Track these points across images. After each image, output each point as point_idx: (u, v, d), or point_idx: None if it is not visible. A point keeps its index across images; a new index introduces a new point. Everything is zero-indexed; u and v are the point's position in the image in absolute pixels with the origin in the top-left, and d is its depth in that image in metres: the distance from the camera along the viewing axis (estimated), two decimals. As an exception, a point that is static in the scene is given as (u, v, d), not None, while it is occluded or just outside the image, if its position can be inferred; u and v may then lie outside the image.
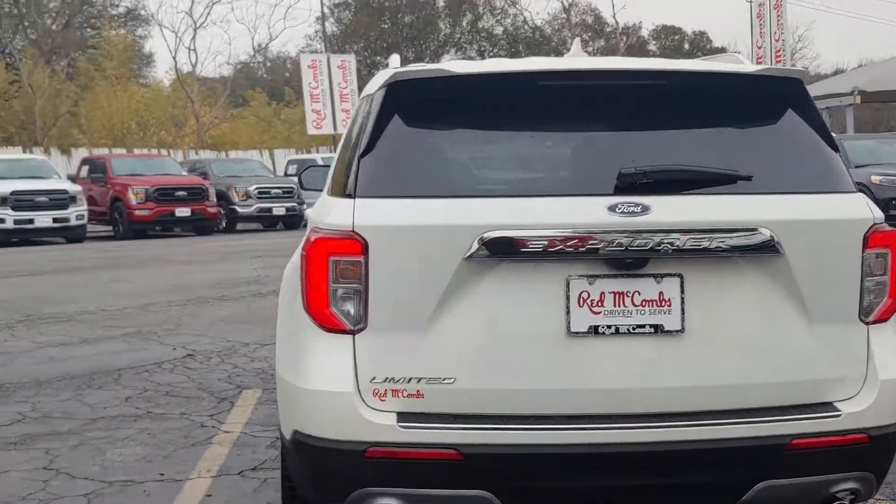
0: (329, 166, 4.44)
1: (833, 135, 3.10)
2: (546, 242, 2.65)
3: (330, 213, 2.84)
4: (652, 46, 46.70)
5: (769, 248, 2.74)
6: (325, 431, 2.72)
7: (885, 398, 2.84)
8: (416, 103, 2.91)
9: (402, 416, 2.70)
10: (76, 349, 7.62)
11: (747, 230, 2.72)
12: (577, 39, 3.62)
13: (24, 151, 27.11)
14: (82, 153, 27.56)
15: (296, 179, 25.64)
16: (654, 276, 2.73)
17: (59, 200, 19.91)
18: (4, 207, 19.24)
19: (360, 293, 2.72)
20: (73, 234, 20.34)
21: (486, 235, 2.65)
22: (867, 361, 2.87)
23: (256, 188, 23.18)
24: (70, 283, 12.40)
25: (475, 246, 2.65)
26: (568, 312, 2.71)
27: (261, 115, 40.23)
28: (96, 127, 34.88)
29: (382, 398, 2.72)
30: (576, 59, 3.44)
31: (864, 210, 2.87)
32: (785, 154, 2.98)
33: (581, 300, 2.71)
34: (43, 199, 19.66)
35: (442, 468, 2.65)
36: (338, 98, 32.16)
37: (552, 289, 2.72)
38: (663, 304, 2.74)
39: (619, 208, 2.70)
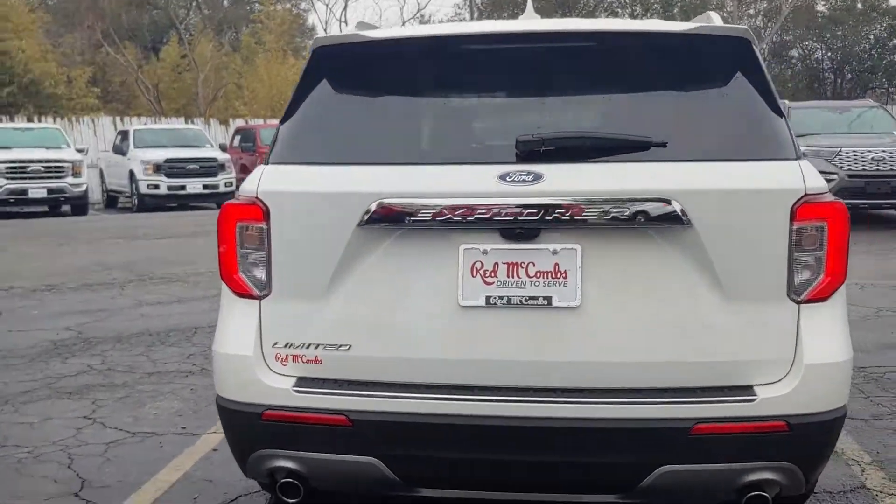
0: None
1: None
2: (435, 211, 2.60)
3: (247, 180, 2.90)
4: (821, 7, 43.69)
5: (673, 220, 2.56)
6: (231, 394, 2.80)
7: (809, 384, 2.59)
8: (332, 70, 2.90)
9: (301, 381, 2.73)
10: (168, 307, 8.08)
11: (647, 200, 2.55)
12: (530, 1, 3.46)
13: (186, 122, 28.69)
14: (239, 123, 28.88)
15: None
16: (550, 246, 2.63)
17: (209, 168, 20.90)
18: (159, 174, 20.44)
19: (264, 259, 2.77)
20: (221, 200, 21.23)
21: (375, 203, 2.63)
22: (796, 344, 2.64)
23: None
24: (197, 246, 13.10)
25: (366, 214, 2.64)
26: (460, 282, 2.65)
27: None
28: (257, 98, 36.43)
29: (284, 363, 2.76)
30: (499, 22, 3.33)
31: (793, 180, 2.60)
32: (713, 119, 2.77)
33: (474, 270, 2.64)
34: (194, 166, 20.68)
35: (332, 433, 2.66)
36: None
37: (447, 258, 2.65)
38: (559, 276, 2.62)
39: (510, 177, 2.60)
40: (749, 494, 2.61)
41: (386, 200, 2.62)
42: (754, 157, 2.66)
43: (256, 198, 2.75)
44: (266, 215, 2.73)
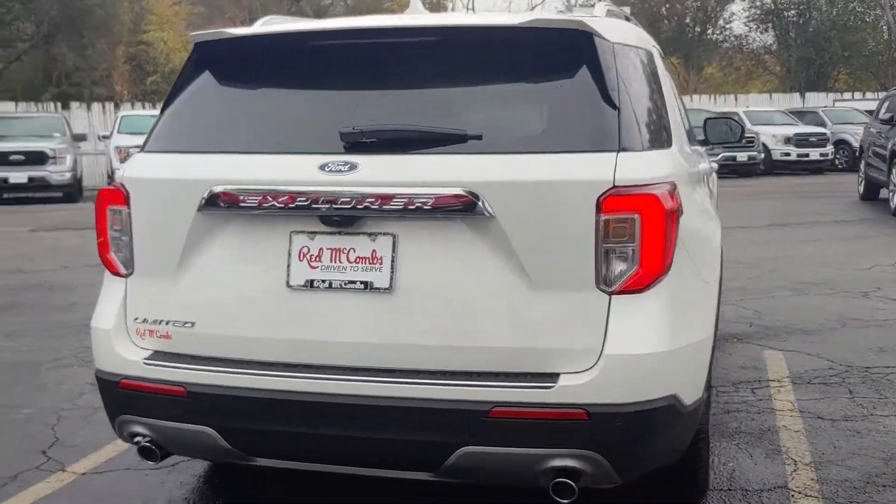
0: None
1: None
2: (261, 198, 2.78)
3: (123, 167, 3.18)
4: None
5: (474, 211, 2.64)
6: (99, 364, 3.08)
7: (611, 374, 2.61)
8: (200, 64, 3.12)
9: (155, 355, 2.97)
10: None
11: (446, 192, 2.64)
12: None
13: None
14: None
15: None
16: (369, 234, 2.76)
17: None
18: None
19: (128, 241, 3.03)
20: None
21: (210, 190, 2.84)
22: (604, 334, 2.67)
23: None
24: None
25: (203, 200, 2.85)
26: (289, 266, 2.81)
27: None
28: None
29: (143, 337, 3.01)
30: (354, 18, 3.42)
31: (601, 172, 2.63)
32: (537, 112, 2.82)
33: (301, 255, 2.81)
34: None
35: (173, 403, 2.89)
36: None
37: (279, 243, 2.83)
38: (375, 261, 2.75)
39: (329, 167, 2.75)
40: (555, 480, 2.66)
41: (217, 187, 2.82)
42: (570, 150, 2.69)
43: (121, 184, 3.01)
44: (127, 199, 3.00)
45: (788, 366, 5.48)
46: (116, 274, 3.08)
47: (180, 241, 2.91)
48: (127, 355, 2.99)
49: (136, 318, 3.02)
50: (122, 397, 2.99)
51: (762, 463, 3.99)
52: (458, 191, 2.64)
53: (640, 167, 2.68)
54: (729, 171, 21.53)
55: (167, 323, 2.97)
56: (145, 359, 2.96)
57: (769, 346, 5.97)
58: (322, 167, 2.75)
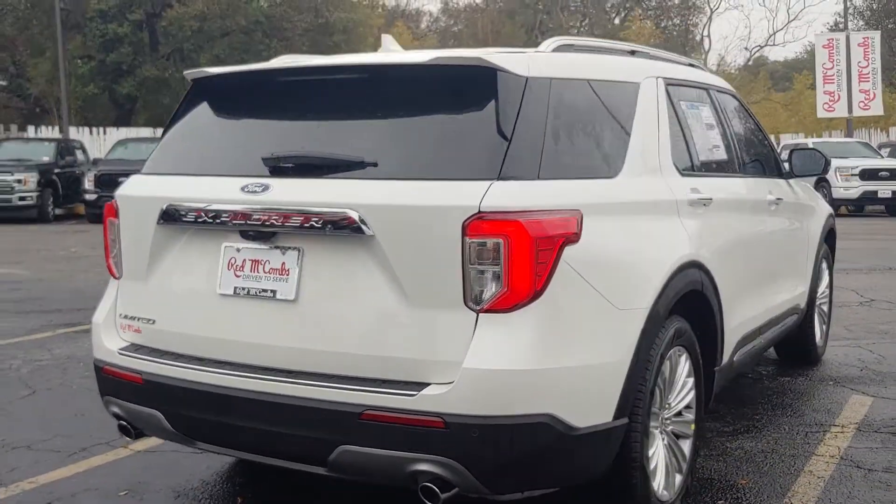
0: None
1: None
2: (196, 214, 3.20)
3: None
4: None
5: (356, 230, 2.89)
6: (94, 352, 3.62)
7: (468, 387, 2.75)
8: (193, 98, 3.61)
9: (130, 346, 3.46)
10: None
11: (336, 212, 2.92)
12: (387, 36, 3.78)
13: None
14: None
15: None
16: (280, 248, 3.09)
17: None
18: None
19: (119, 248, 3.56)
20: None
21: (163, 206, 3.30)
22: (468, 349, 2.79)
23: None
24: None
25: (160, 214, 3.31)
26: (220, 275, 3.20)
27: (772, 98, 39.02)
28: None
29: (124, 331, 3.52)
30: (307, 57, 3.72)
31: (469, 198, 2.79)
32: (428, 141, 3.02)
33: (230, 265, 3.19)
34: None
35: (135, 388, 3.36)
36: (855, 78, 29.69)
37: (214, 254, 3.23)
38: (284, 273, 3.07)
39: (248, 188, 3.12)
40: (422, 483, 2.84)
41: (167, 204, 3.28)
42: (450, 177, 2.89)
43: (115, 199, 3.55)
44: (118, 213, 3.52)
45: (870, 412, 5.11)
46: (113, 276, 3.62)
47: (148, 249, 3.40)
48: (109, 346, 3.51)
49: (121, 315, 3.54)
50: (105, 381, 3.52)
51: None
52: (344, 212, 2.92)
53: (513, 195, 2.82)
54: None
55: (138, 319, 3.47)
56: (120, 349, 3.46)
57: (863, 391, 5.57)
58: (243, 188, 3.14)
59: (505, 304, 2.80)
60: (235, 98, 3.53)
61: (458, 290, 2.82)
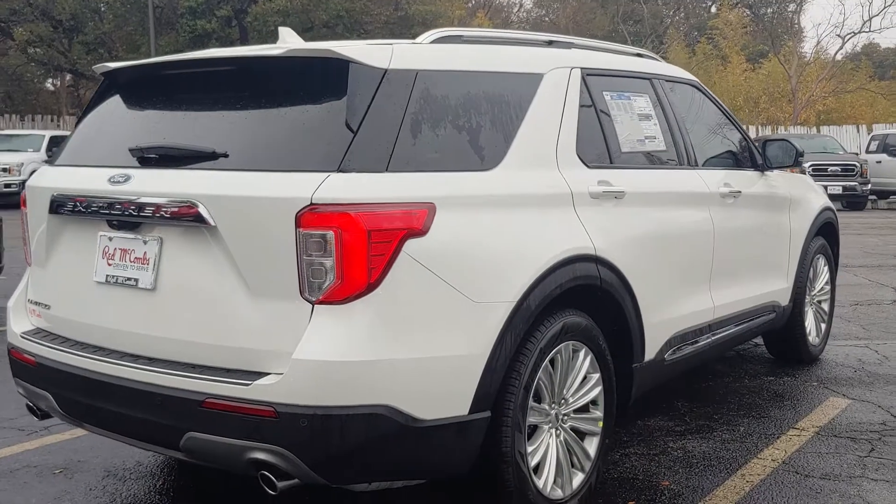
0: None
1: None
2: (72, 203, 3.30)
3: None
4: None
5: (199, 220, 2.93)
6: (7, 335, 3.78)
7: (297, 377, 2.75)
8: (101, 91, 3.72)
9: (31, 330, 3.59)
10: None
11: (181, 202, 2.96)
12: (284, 28, 3.74)
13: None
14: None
15: (864, 157, 23.75)
16: (143, 238, 3.15)
17: None
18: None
19: (27, 237, 3.69)
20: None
21: (51, 196, 3.40)
22: (301, 340, 2.79)
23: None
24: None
25: (49, 204, 3.42)
26: (96, 263, 3.29)
27: (869, 88, 37.21)
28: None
29: (32, 315, 3.65)
30: (191, 54, 3.75)
31: (303, 190, 2.78)
32: (278, 133, 3.03)
33: (104, 253, 3.27)
34: None
35: (30, 370, 3.48)
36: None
37: (93, 242, 3.32)
38: (146, 262, 3.13)
39: (113, 178, 3.19)
40: (260, 471, 2.87)
41: (54, 194, 3.39)
42: (290, 168, 2.88)
43: (24, 190, 3.69)
44: (26, 203, 3.66)
45: (839, 416, 4.87)
46: (27, 263, 3.76)
47: (44, 237, 3.52)
48: (16, 329, 3.65)
49: (29, 300, 3.68)
50: (12, 363, 3.66)
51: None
52: (188, 202, 2.96)
53: (349, 188, 2.80)
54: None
55: (38, 304, 3.60)
56: (23, 332, 3.60)
57: (845, 393, 5.31)
58: (110, 179, 3.21)
59: (339, 296, 2.79)
60: (128, 91, 3.61)
61: (294, 282, 2.82)
